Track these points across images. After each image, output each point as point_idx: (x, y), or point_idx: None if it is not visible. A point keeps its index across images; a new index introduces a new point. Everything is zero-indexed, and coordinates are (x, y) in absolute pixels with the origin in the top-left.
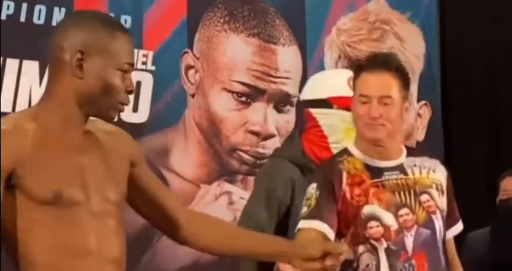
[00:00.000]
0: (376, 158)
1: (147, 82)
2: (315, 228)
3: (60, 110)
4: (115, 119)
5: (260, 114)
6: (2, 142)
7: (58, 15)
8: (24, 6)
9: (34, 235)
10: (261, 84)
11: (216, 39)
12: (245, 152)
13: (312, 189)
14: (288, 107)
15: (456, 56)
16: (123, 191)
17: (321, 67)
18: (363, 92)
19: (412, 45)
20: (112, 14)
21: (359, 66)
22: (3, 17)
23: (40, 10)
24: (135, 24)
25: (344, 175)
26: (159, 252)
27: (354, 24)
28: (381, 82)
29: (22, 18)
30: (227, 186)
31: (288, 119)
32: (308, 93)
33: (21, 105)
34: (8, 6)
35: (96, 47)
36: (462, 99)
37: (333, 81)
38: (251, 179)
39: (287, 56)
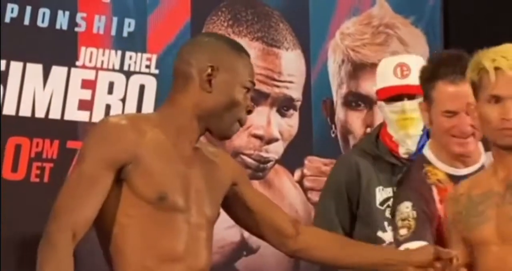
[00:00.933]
0: (459, 167)
1: (150, 86)
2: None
3: (179, 119)
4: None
5: (264, 118)
6: (121, 134)
7: (62, 18)
8: (28, 9)
9: (129, 231)
10: (264, 88)
11: None
12: (248, 155)
13: (407, 208)
14: (291, 111)
15: None
16: (218, 209)
17: (324, 71)
18: (448, 108)
19: (415, 50)
20: (115, 18)
21: (432, 73)
22: (7, 20)
23: (44, 13)
24: (138, 27)
25: (434, 191)
26: None
27: (358, 28)
28: (465, 93)
29: (26, 21)
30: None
31: (291, 123)
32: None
33: (25, 108)
34: (12, 9)
35: (225, 64)
36: None
37: (380, 71)
38: (254, 182)
39: (291, 60)
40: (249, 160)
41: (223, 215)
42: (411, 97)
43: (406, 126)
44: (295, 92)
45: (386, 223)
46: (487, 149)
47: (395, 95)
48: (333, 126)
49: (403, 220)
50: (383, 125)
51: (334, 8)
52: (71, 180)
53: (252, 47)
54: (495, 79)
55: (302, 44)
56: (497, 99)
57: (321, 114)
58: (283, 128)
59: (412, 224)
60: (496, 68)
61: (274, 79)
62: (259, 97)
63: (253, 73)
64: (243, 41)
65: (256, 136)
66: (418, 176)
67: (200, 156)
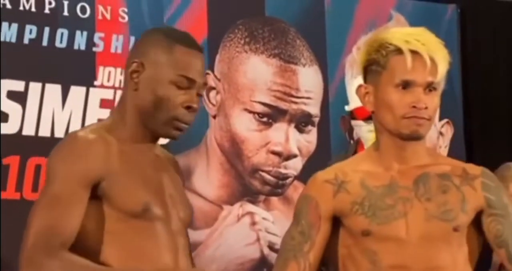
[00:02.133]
0: None
1: None
2: None
3: (127, 123)
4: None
5: (282, 134)
6: (92, 150)
7: (80, 38)
8: (47, 30)
9: (114, 247)
10: (282, 105)
11: (237, 60)
12: (267, 172)
13: None
14: (309, 127)
15: (477, 74)
16: (191, 210)
17: (342, 87)
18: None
19: None
20: (132, 37)
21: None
22: (26, 41)
23: (62, 33)
24: None
25: None
26: None
27: None
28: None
29: (45, 42)
30: (250, 207)
31: (309, 139)
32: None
33: (44, 129)
34: (31, 30)
35: (151, 59)
36: (484, 118)
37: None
38: (273, 199)
39: (308, 76)
40: (268, 177)
41: (243, 232)
42: None
43: None
44: (313, 108)
45: None
46: None
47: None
48: (351, 142)
49: None
50: (359, 143)
51: (351, 23)
52: (46, 201)
53: (270, 64)
54: (411, 63)
55: (319, 60)
56: (406, 85)
57: (339, 130)
58: (302, 145)
59: None
60: (412, 52)
61: (292, 96)
62: (277, 114)
63: (190, 68)
64: (260, 58)
65: (275, 152)
66: None
67: (160, 158)
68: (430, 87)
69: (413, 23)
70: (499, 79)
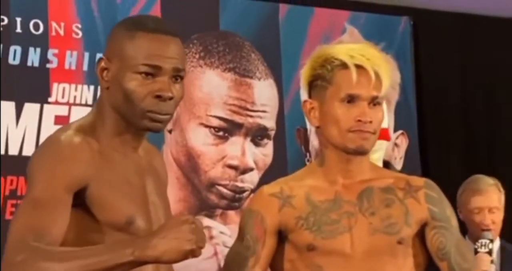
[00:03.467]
0: None
1: None
2: None
3: (106, 124)
4: None
5: (238, 148)
6: (75, 154)
7: (34, 55)
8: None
9: None
10: (238, 118)
11: (192, 75)
12: (224, 186)
13: None
14: (265, 140)
15: (431, 85)
16: (170, 215)
17: (297, 100)
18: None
19: None
20: (87, 53)
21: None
22: None
23: (15, 50)
24: None
25: None
26: None
27: None
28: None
29: None
30: (207, 221)
31: (266, 152)
32: None
33: None
34: None
35: (116, 53)
36: (439, 129)
37: None
38: (230, 213)
39: (263, 90)
40: (224, 191)
41: None
42: None
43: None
44: (269, 122)
45: None
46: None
47: None
48: (307, 154)
49: None
50: None
51: (305, 37)
52: (29, 206)
53: (225, 78)
54: (356, 77)
55: (274, 74)
56: (351, 99)
57: (295, 143)
58: (258, 158)
59: None
60: (357, 66)
61: (248, 109)
62: (233, 128)
63: (152, 53)
64: (216, 73)
65: (231, 166)
66: None
67: (145, 159)
68: (374, 101)
69: (367, 35)
70: (452, 90)
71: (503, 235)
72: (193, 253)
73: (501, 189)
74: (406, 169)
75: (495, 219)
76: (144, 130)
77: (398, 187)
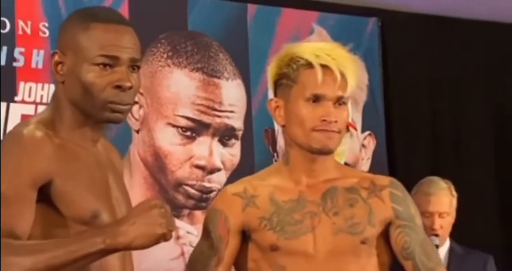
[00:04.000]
0: None
1: None
2: None
3: (64, 119)
4: None
5: (205, 148)
6: (38, 149)
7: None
8: None
9: None
10: (205, 119)
11: (159, 75)
12: (191, 186)
13: None
14: (233, 141)
15: (399, 86)
16: None
17: (265, 100)
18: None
19: None
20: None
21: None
22: None
23: None
24: None
25: None
26: None
27: None
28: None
29: None
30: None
31: (233, 152)
32: None
33: None
34: None
35: (70, 46)
36: (406, 130)
37: None
38: (197, 213)
39: (231, 90)
40: (192, 191)
41: (167, 246)
42: None
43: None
44: (237, 122)
45: None
46: None
47: None
48: (275, 155)
49: None
50: None
51: (273, 37)
52: None
53: (193, 78)
54: (322, 77)
55: (242, 74)
56: (316, 98)
57: (263, 143)
58: (225, 158)
59: None
60: (322, 66)
61: (215, 109)
62: (201, 128)
63: (108, 44)
64: (183, 72)
65: (198, 166)
66: None
67: (103, 154)
68: (339, 101)
69: (335, 36)
70: (419, 91)
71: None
72: (165, 237)
73: (454, 193)
74: (373, 170)
75: (444, 223)
76: (105, 122)
77: (362, 186)
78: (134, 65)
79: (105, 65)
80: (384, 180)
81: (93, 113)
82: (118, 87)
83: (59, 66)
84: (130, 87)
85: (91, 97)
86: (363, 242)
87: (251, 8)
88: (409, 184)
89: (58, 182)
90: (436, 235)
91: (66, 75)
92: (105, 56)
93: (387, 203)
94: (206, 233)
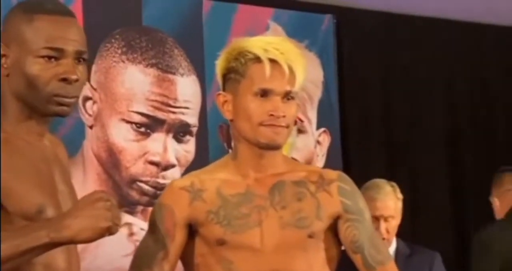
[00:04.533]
0: None
1: None
2: None
3: (9, 113)
4: None
5: (160, 144)
6: None
7: None
8: None
9: None
10: (160, 115)
11: (114, 70)
12: (145, 182)
13: None
14: (188, 137)
15: (353, 83)
16: None
17: None
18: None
19: (310, 73)
20: None
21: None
22: None
23: None
24: None
25: None
26: None
27: None
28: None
29: None
30: (127, 217)
31: (188, 149)
32: None
33: None
34: None
35: (14, 38)
36: (361, 127)
37: None
38: (151, 209)
39: (186, 86)
40: (146, 187)
41: (121, 243)
42: None
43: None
44: (191, 118)
45: None
46: None
47: None
48: (229, 151)
49: None
50: None
51: (229, 33)
52: None
53: (147, 74)
54: (270, 72)
55: (197, 70)
56: (264, 93)
57: (217, 139)
58: (180, 154)
59: None
60: (270, 60)
61: (170, 105)
62: (155, 124)
63: (53, 36)
64: (138, 68)
65: (153, 163)
66: None
67: (49, 148)
68: (288, 96)
69: (290, 33)
70: (374, 88)
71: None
72: (110, 230)
73: (399, 195)
74: (328, 166)
75: (389, 227)
76: (51, 115)
77: (311, 180)
78: (80, 58)
79: (50, 57)
80: (332, 174)
81: (38, 106)
82: (64, 80)
83: (3, 59)
84: (76, 80)
85: (36, 90)
86: (310, 236)
87: (207, 4)
88: (364, 181)
89: (2, 177)
90: (383, 239)
91: (10, 68)
92: (50, 48)
93: (335, 197)
94: (152, 227)
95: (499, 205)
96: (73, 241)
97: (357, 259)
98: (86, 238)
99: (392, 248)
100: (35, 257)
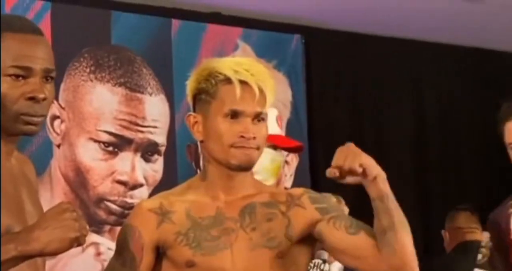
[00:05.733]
0: None
1: None
2: None
3: None
4: None
5: (128, 163)
6: None
7: None
8: None
9: None
10: (128, 134)
11: (82, 89)
12: (113, 202)
13: (486, 238)
14: (156, 156)
15: (322, 102)
16: None
17: None
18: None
19: (278, 93)
20: None
21: None
22: None
23: None
24: None
25: None
26: None
27: None
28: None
29: None
30: (94, 237)
31: (156, 168)
32: None
33: None
34: None
35: None
36: (329, 146)
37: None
38: (118, 229)
39: (154, 105)
40: (113, 206)
41: (88, 263)
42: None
43: (278, 174)
44: (160, 137)
45: None
46: None
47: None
48: (198, 171)
49: (481, 247)
50: None
51: (198, 53)
52: None
53: (115, 93)
54: (240, 93)
55: (165, 89)
56: (235, 114)
57: (185, 159)
58: (148, 174)
59: (487, 253)
60: (241, 82)
61: (138, 125)
62: (123, 143)
63: (21, 54)
64: (106, 87)
65: (120, 182)
66: (502, 207)
67: (17, 167)
68: (258, 117)
69: (259, 52)
70: (343, 108)
71: None
72: (78, 241)
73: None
74: (296, 186)
75: None
76: (18, 134)
77: (280, 200)
78: (48, 76)
79: (17, 76)
80: (298, 190)
81: (5, 125)
82: (32, 98)
83: None
84: (44, 99)
85: (4, 109)
86: (278, 256)
87: (176, 23)
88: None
89: None
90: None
91: None
92: (17, 67)
93: (309, 207)
94: (119, 249)
95: (448, 240)
96: (42, 253)
97: (360, 236)
98: (55, 249)
99: (336, 267)
100: None
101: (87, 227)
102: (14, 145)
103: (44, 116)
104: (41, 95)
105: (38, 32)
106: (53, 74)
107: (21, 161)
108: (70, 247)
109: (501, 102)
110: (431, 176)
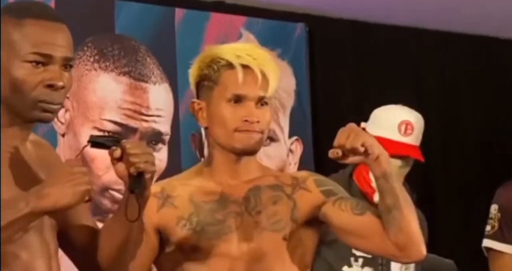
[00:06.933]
0: None
1: None
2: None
3: None
4: None
5: None
6: None
7: None
8: None
9: None
10: (132, 123)
11: (86, 78)
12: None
13: (495, 210)
14: (160, 145)
15: (326, 92)
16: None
17: None
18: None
19: (282, 82)
20: None
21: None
22: None
23: None
24: None
25: None
26: None
27: None
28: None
29: None
30: (99, 226)
31: (160, 157)
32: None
33: None
34: None
35: (3, 40)
36: (333, 135)
37: (383, 118)
38: None
39: (159, 94)
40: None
41: None
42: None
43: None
44: (164, 126)
45: (352, 259)
46: None
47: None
48: (202, 159)
49: (490, 218)
50: (357, 165)
51: (201, 42)
52: None
53: (120, 82)
54: (243, 77)
55: (169, 78)
56: (238, 99)
57: (190, 148)
58: None
59: (495, 224)
60: (243, 66)
61: (142, 114)
62: (128, 132)
63: (42, 41)
64: (110, 76)
65: None
66: (511, 181)
67: (34, 151)
68: (261, 101)
69: (263, 41)
70: (347, 97)
71: None
72: (89, 193)
73: None
74: None
75: None
76: (34, 121)
77: (285, 183)
78: (67, 64)
79: (37, 63)
80: (302, 173)
81: (22, 111)
82: (50, 86)
83: None
84: (62, 87)
85: (21, 95)
86: (284, 239)
87: (179, 12)
88: None
89: None
90: None
91: None
92: (38, 54)
93: (315, 190)
94: None
95: None
96: (54, 208)
97: (367, 216)
98: (67, 203)
99: None
100: (20, 230)
101: (95, 182)
102: (29, 131)
103: (61, 104)
104: (60, 83)
105: (59, 19)
106: (72, 62)
107: (42, 146)
108: (81, 200)
109: None
110: (433, 162)
